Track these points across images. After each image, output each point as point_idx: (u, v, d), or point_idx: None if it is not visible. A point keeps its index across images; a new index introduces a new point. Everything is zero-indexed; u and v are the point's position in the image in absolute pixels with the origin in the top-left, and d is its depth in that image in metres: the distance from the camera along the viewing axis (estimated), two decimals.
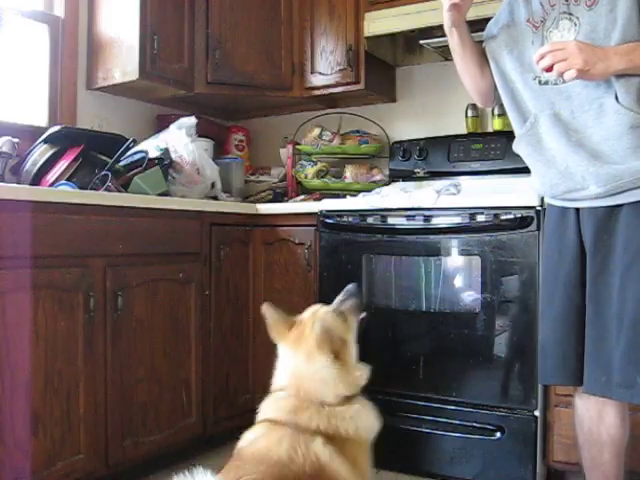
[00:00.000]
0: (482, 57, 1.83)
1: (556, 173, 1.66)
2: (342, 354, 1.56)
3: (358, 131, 3.21)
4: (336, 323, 1.61)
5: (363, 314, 1.72)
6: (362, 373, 1.60)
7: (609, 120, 1.55)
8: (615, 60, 1.48)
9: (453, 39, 1.81)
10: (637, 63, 1.49)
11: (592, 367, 1.62)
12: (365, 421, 1.54)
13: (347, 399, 1.54)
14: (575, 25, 1.60)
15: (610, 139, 1.56)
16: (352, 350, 1.62)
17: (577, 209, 1.67)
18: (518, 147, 1.77)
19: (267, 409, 1.55)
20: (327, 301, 2.57)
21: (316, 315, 1.62)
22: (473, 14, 2.51)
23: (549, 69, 1.53)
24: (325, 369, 1.52)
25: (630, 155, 1.54)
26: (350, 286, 1.76)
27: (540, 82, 1.67)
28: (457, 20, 1.75)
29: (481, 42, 1.85)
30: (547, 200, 1.80)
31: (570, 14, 1.60)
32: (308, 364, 1.53)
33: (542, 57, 1.53)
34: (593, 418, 1.69)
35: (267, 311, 1.64)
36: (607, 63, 1.48)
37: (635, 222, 1.56)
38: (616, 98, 1.54)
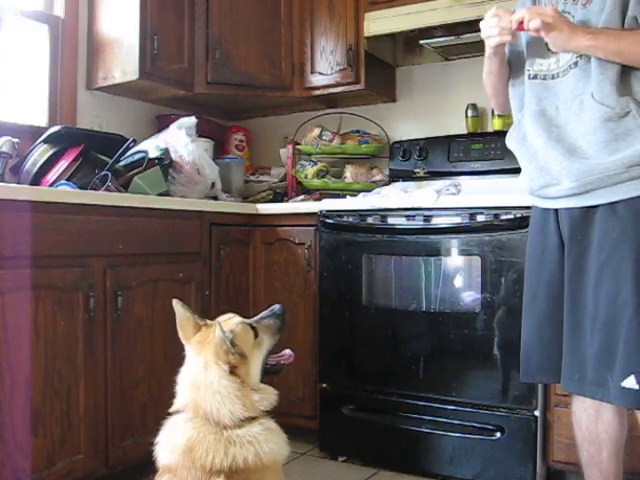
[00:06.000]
0: None
1: (536, 168, 1.69)
2: (240, 370, 1.45)
3: (358, 131, 3.21)
4: (244, 336, 1.51)
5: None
6: (263, 396, 1.48)
7: (586, 115, 1.58)
8: (580, 34, 1.55)
9: (493, 64, 1.81)
10: (599, 43, 1.54)
11: (567, 365, 1.65)
12: (265, 446, 1.41)
13: (248, 421, 1.43)
14: (570, 22, 1.63)
15: (587, 134, 1.58)
16: (254, 369, 1.51)
17: (556, 210, 1.69)
18: (508, 142, 1.81)
19: (164, 448, 1.45)
20: (327, 301, 2.59)
21: (227, 322, 1.53)
22: (474, 14, 2.55)
23: (520, 25, 1.59)
24: (219, 380, 1.43)
25: (602, 150, 1.56)
26: (277, 306, 1.65)
27: (530, 76, 1.72)
28: (503, 47, 1.74)
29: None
30: (530, 200, 1.81)
31: (567, 13, 1.64)
32: (205, 372, 1.44)
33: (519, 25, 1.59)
34: (591, 416, 1.70)
35: (176, 307, 1.55)
36: (573, 33, 1.55)
37: (609, 223, 1.57)
38: (592, 94, 1.58)
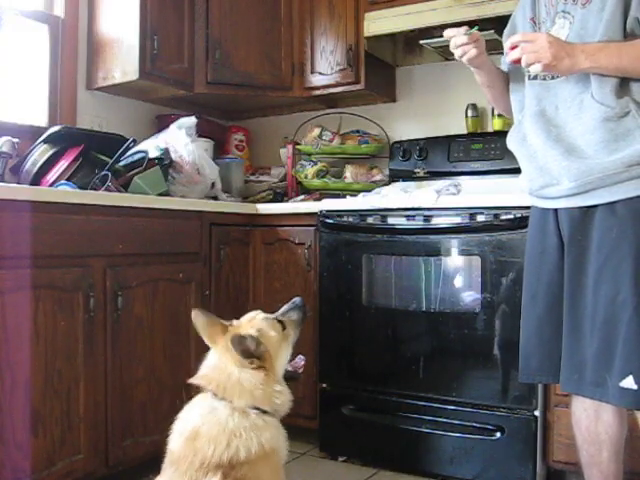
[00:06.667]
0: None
1: (535, 168, 1.69)
2: (267, 362, 1.49)
3: (358, 131, 3.21)
4: (271, 332, 1.55)
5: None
6: (283, 390, 1.52)
7: (586, 115, 1.59)
8: (581, 58, 1.53)
9: (480, 77, 1.83)
10: (601, 63, 1.53)
11: (566, 365, 1.65)
12: (268, 433, 1.44)
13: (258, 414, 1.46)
14: (570, 23, 1.64)
15: (586, 133, 1.59)
16: (280, 362, 1.55)
17: (556, 210, 1.69)
18: (508, 143, 1.81)
19: (175, 432, 1.49)
20: (327, 301, 2.59)
21: (251, 322, 1.56)
22: (474, 14, 2.55)
23: (517, 61, 1.58)
24: (249, 372, 1.47)
25: (602, 149, 1.56)
26: (297, 299, 1.70)
27: (529, 77, 1.72)
28: (478, 60, 1.74)
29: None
30: (530, 200, 1.81)
31: (567, 13, 1.64)
32: (238, 368, 1.48)
33: (512, 48, 1.58)
34: (590, 416, 1.70)
35: (196, 318, 1.56)
36: (573, 60, 1.53)
37: (608, 223, 1.57)
38: (592, 94, 1.58)
